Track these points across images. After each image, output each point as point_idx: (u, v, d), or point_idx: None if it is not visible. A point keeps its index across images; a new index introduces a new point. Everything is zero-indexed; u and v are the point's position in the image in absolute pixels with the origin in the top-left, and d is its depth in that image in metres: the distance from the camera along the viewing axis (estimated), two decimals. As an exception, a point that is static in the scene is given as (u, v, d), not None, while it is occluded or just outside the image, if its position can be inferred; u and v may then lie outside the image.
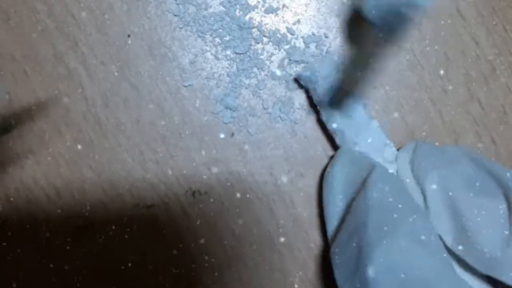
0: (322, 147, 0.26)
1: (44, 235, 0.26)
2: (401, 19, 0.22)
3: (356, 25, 0.25)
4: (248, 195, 0.26)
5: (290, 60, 0.26)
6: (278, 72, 0.26)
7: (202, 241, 0.26)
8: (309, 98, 0.26)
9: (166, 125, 0.26)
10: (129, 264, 0.26)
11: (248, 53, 0.26)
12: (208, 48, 0.26)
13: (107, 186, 0.26)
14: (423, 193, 0.21)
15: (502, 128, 0.27)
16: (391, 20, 0.22)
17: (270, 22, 0.26)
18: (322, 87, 0.24)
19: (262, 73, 0.26)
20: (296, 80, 0.26)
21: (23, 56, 0.26)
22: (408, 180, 0.22)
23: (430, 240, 0.19)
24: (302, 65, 0.26)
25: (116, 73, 0.26)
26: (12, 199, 0.26)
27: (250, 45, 0.26)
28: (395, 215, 0.20)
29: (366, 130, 0.24)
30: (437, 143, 0.26)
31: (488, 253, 0.19)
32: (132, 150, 0.26)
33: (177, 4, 0.26)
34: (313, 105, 0.26)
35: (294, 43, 0.26)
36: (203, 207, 0.26)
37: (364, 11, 0.23)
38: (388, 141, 0.24)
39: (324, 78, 0.24)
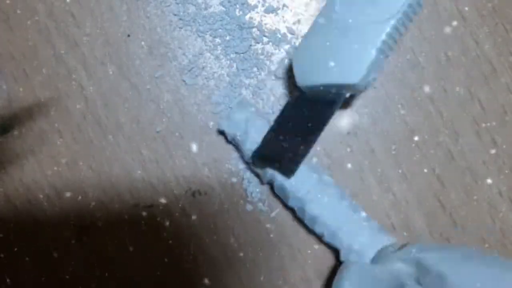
0: (323, 146, 0.26)
1: (43, 235, 0.26)
2: (333, 96, 0.22)
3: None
4: (248, 195, 0.26)
5: (290, 60, 0.26)
6: (278, 72, 0.26)
7: (202, 241, 0.26)
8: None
9: (166, 125, 0.26)
10: (129, 264, 0.26)
11: (248, 53, 0.26)
12: (208, 48, 0.26)
13: (107, 186, 0.26)
14: None
15: (502, 128, 0.26)
16: (323, 95, 0.23)
17: (270, 21, 0.26)
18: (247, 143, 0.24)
19: (262, 73, 0.26)
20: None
21: (23, 56, 0.26)
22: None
23: None
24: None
25: (116, 73, 0.26)
26: (12, 199, 0.26)
27: (250, 45, 0.26)
28: None
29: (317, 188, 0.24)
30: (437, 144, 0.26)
31: None
32: (132, 150, 0.26)
33: (177, 4, 0.26)
34: None
35: (294, 43, 0.26)
36: (203, 207, 0.26)
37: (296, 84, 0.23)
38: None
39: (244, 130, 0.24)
